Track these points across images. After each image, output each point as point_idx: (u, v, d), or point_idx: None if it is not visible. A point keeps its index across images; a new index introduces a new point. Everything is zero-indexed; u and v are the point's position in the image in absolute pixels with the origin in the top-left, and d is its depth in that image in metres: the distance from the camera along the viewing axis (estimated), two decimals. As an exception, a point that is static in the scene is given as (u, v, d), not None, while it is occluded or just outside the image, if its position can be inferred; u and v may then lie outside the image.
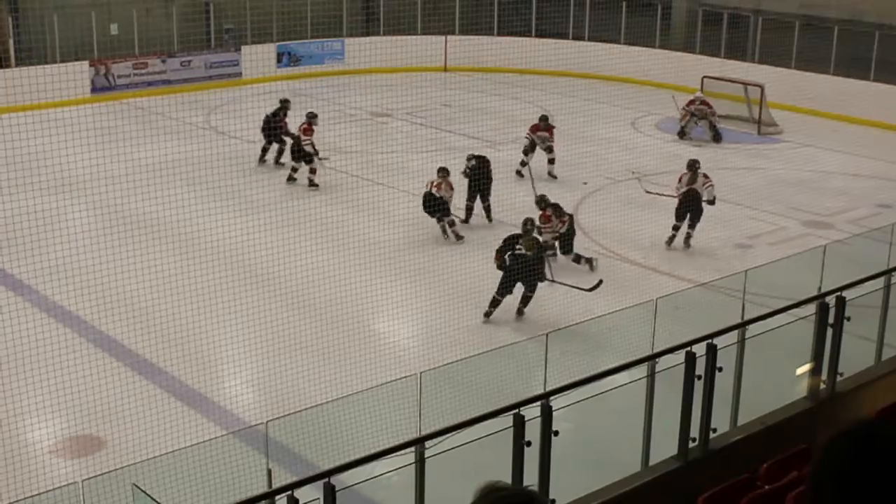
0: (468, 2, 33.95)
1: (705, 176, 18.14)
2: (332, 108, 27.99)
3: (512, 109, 28.04)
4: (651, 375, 8.89)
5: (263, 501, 6.95)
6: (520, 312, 15.00)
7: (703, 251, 17.63)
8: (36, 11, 29.01)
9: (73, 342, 13.63)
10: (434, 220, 18.31)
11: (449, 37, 32.68)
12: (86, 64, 28.26)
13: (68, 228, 16.94)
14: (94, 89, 28.38)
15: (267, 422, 8.40)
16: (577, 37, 32.47)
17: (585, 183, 21.42)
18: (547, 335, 9.71)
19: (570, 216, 17.31)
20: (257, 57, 29.97)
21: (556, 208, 17.10)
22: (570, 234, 17.02)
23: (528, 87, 30.42)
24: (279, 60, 31.39)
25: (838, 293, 9.84)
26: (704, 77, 27.03)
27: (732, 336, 9.46)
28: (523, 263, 14.87)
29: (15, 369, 12.61)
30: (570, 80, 30.04)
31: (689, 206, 17.85)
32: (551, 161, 22.10)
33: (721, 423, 9.16)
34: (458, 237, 18.21)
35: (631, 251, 17.62)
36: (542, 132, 22.31)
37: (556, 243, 16.89)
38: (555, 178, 21.85)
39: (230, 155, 22.54)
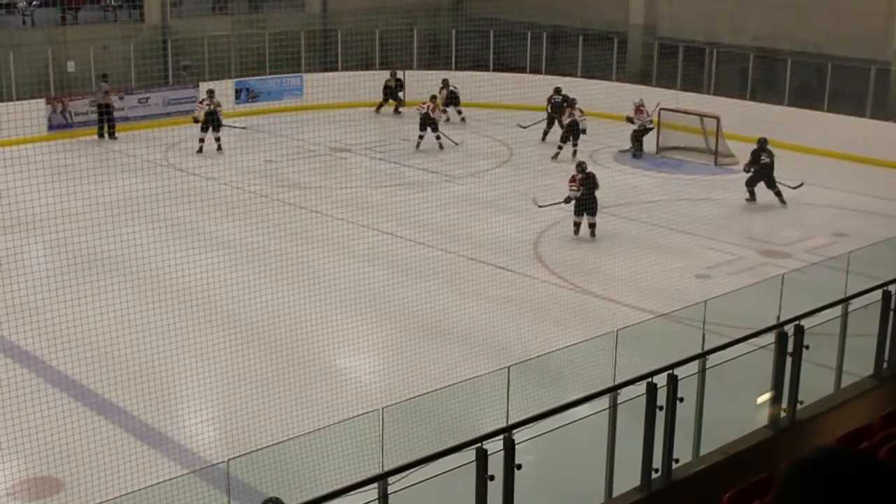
0: (426, 36, 34.11)
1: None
2: (292, 144, 28.01)
3: (471, 143, 28.15)
4: (613, 407, 8.90)
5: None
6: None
7: (663, 282, 17.72)
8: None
9: (31, 382, 13.46)
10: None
11: (408, 71, 32.79)
12: (42, 101, 28.07)
13: (25, 267, 16.80)
14: (50, 127, 28.18)
15: (228, 460, 8.33)
16: (535, 70, 32.67)
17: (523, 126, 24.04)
18: (508, 368, 9.71)
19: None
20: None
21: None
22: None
23: (487, 121, 30.56)
24: (237, 96, 31.35)
25: (797, 322, 9.92)
26: (661, 109, 27.26)
27: (693, 366, 9.51)
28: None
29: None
30: (527, 113, 30.21)
31: (588, 201, 20.29)
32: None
33: (683, 453, 9.18)
34: (454, 143, 24.34)
35: (591, 283, 17.70)
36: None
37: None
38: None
39: (189, 191, 22.43)
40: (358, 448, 8.99)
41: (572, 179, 20.63)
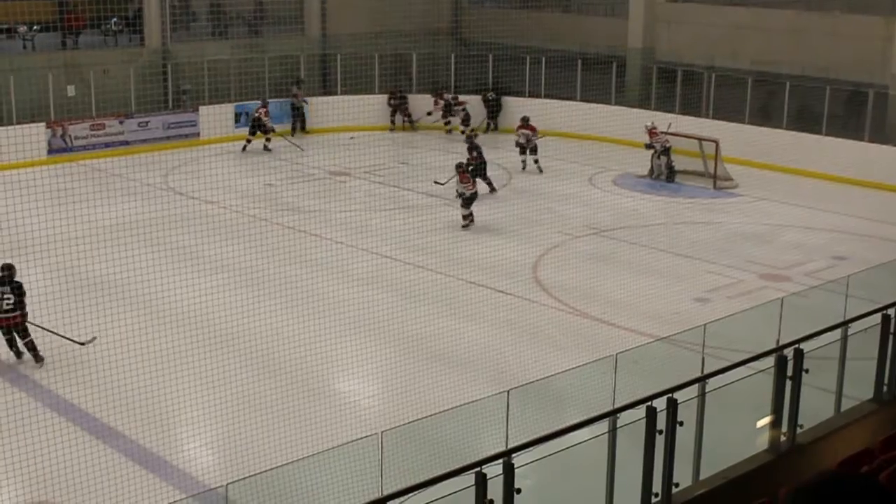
0: (425, 61, 34.19)
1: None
2: (291, 168, 28.06)
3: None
4: (612, 431, 8.88)
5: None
6: None
7: (662, 305, 17.71)
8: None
9: (29, 406, 13.45)
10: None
11: (408, 95, 32.87)
12: (42, 125, 28.13)
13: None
14: (50, 151, 28.24)
15: (227, 484, 8.31)
16: (534, 94, 32.76)
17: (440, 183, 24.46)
18: (508, 392, 9.69)
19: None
20: (215, 117, 29.99)
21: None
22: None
23: (486, 145, 30.58)
24: (237, 120, 31.41)
25: (796, 345, 9.90)
26: (662, 132, 27.30)
27: (693, 390, 9.49)
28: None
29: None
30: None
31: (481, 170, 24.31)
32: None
33: (683, 477, 9.15)
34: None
35: (590, 306, 17.68)
36: (523, 130, 27.83)
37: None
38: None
39: (189, 215, 22.45)
40: (357, 472, 8.95)
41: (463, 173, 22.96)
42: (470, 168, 23.69)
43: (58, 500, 11.54)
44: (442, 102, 31.92)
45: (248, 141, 29.82)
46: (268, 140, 29.91)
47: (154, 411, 13.50)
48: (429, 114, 31.89)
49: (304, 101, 32.16)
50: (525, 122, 27.94)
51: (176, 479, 12.15)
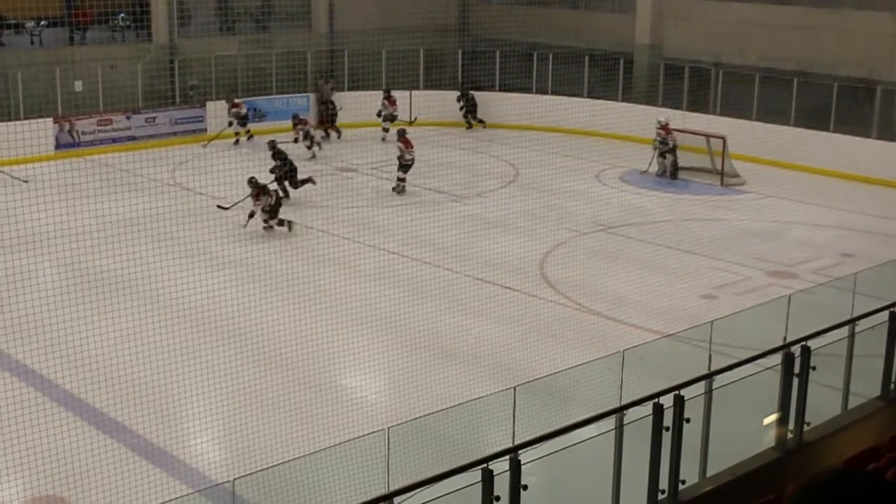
0: (433, 57, 34.19)
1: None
2: (299, 164, 28.03)
3: (477, 163, 28.20)
4: (619, 428, 8.89)
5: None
6: None
7: (669, 302, 17.70)
8: (-1, 68, 28.99)
9: (36, 401, 13.48)
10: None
11: (414, 92, 32.86)
12: (50, 121, 28.18)
13: (32, 286, 16.81)
14: (58, 146, 28.29)
15: (234, 479, 8.33)
16: (541, 91, 32.75)
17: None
18: (515, 388, 9.69)
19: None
20: (222, 113, 30.02)
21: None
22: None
23: (494, 142, 30.63)
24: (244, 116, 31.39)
25: (803, 343, 9.90)
26: (671, 129, 27.27)
27: (699, 387, 9.49)
28: None
29: (-23, 429, 12.47)
30: (533, 133, 30.29)
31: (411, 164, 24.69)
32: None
33: (690, 474, 9.16)
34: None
35: (597, 303, 17.67)
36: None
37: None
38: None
39: (196, 211, 22.49)
40: (364, 468, 8.97)
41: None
42: (276, 176, 23.68)
43: (64, 495, 11.58)
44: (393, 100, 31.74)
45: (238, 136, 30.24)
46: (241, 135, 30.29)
47: (161, 406, 13.53)
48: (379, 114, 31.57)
49: (333, 99, 32.27)
50: (387, 94, 30.89)
51: (183, 473, 12.17)
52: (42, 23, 32.15)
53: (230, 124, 30.19)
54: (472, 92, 33.02)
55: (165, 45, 32.42)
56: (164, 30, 32.52)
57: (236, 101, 30.53)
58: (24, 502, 11.63)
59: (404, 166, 24.76)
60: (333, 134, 31.32)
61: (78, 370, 14.41)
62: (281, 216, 21.70)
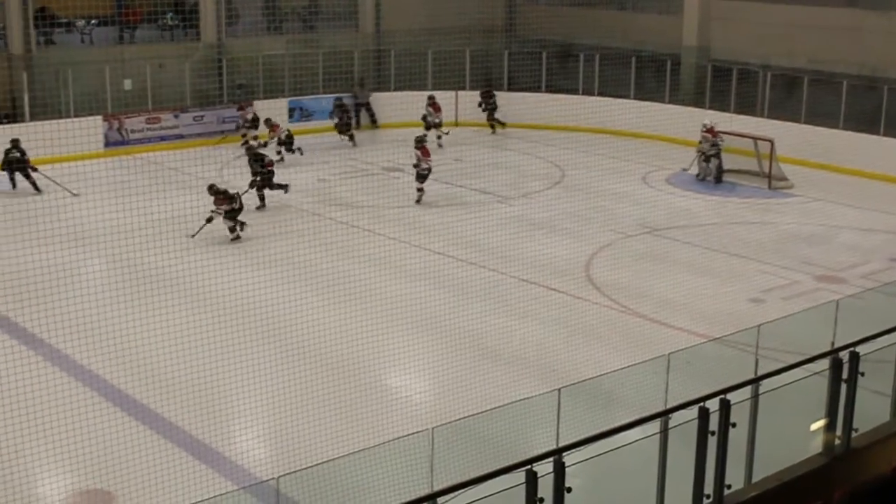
0: (479, 58, 34.17)
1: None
2: (344, 163, 28.17)
3: (523, 164, 28.17)
4: (664, 431, 8.84)
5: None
6: None
7: (715, 306, 17.59)
8: (51, 66, 29.29)
9: (85, 396, 13.64)
10: None
11: (460, 92, 32.89)
12: (99, 118, 28.48)
13: (81, 282, 16.99)
14: (107, 144, 28.59)
15: (278, 477, 8.37)
16: (588, 92, 32.65)
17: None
18: (559, 390, 9.67)
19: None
20: (269, 112, 30.16)
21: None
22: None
23: (539, 143, 30.57)
24: (290, 115, 31.58)
25: (852, 348, 9.80)
26: (717, 131, 27.09)
27: (746, 391, 9.42)
28: None
29: (27, 423, 12.61)
30: (580, 135, 30.19)
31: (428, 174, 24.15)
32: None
33: (735, 479, 9.10)
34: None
35: (642, 305, 17.58)
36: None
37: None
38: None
39: (243, 210, 22.63)
40: (407, 468, 8.98)
41: None
42: (257, 178, 23.46)
43: (111, 489, 11.69)
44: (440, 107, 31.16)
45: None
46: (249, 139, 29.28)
47: (207, 403, 13.62)
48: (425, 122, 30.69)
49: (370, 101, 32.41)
50: (432, 101, 30.43)
51: (228, 470, 12.25)
52: (92, 21, 32.53)
53: (237, 128, 30.12)
54: (494, 93, 32.91)
55: (213, 45, 32.68)
56: (212, 29, 32.78)
57: (243, 104, 30.64)
58: (71, 496, 11.75)
59: (421, 175, 24.21)
60: (361, 136, 31.08)
61: (126, 366, 14.56)
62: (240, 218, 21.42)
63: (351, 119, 31.38)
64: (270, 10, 35.37)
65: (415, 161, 24.24)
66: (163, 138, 29.46)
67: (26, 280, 15.02)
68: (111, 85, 29.17)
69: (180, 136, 29.44)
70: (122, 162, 27.05)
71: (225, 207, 21.05)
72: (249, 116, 30.07)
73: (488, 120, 32.63)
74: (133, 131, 29.19)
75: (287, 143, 27.99)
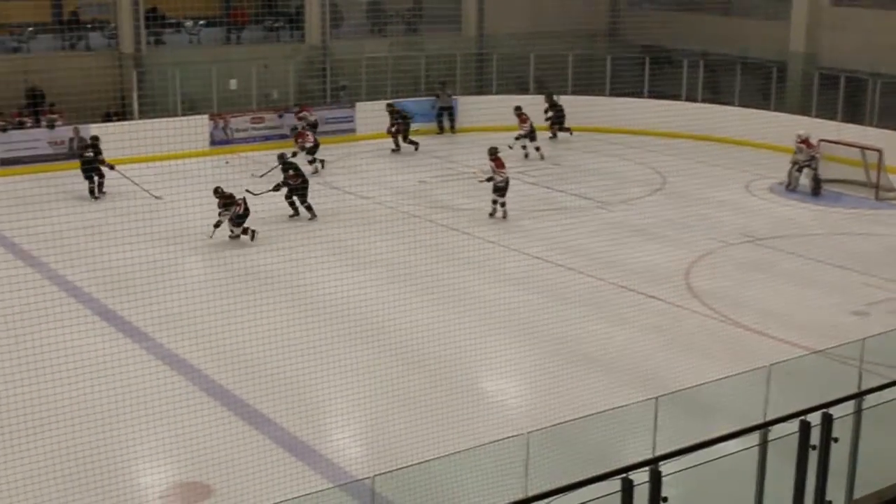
0: (581, 62, 34.02)
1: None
2: (445, 166, 28.27)
3: (623, 170, 27.96)
4: (764, 444, 8.71)
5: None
6: None
7: (818, 317, 17.27)
8: (159, 67, 29.92)
9: (186, 390, 13.89)
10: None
11: (561, 96, 32.78)
12: (206, 117, 29.00)
13: (185, 277, 17.31)
14: (212, 142, 29.11)
15: (374, 476, 8.43)
16: (691, 98, 32.30)
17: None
18: (657, 399, 9.59)
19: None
20: (371, 114, 30.39)
21: None
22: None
23: (640, 149, 30.31)
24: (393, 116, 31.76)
25: (961, 365, 9.56)
26: (821, 141, 26.61)
27: (849, 406, 9.24)
28: None
29: (129, 415, 12.90)
30: (682, 141, 29.89)
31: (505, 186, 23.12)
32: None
33: (836, 495, 8.93)
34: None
35: (743, 315, 17.33)
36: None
37: None
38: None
39: (343, 210, 22.87)
40: (502, 472, 8.98)
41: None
42: (289, 186, 22.80)
43: (208, 482, 11.88)
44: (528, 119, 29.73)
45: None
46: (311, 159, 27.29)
47: (304, 400, 13.77)
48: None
49: (452, 101, 32.35)
50: (519, 112, 29.20)
51: (323, 467, 12.37)
52: (200, 22, 33.16)
53: (293, 129, 28.81)
54: (559, 98, 31.97)
55: (317, 46, 33.08)
56: (316, 31, 33.19)
57: (304, 107, 30.32)
58: (169, 488, 11.97)
59: (498, 189, 23.06)
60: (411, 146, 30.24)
61: (225, 361, 14.79)
62: (250, 226, 20.98)
63: (404, 125, 30.29)
64: (374, 13, 35.69)
65: (489, 174, 23.22)
66: (266, 138, 29.86)
67: (132, 275, 15.35)
68: (217, 85, 29.70)
69: (283, 136, 29.81)
70: (226, 160, 27.43)
71: (229, 211, 20.78)
72: (313, 119, 29.58)
73: (551, 128, 31.53)
74: (237, 130, 29.67)
75: (311, 150, 27.00)
